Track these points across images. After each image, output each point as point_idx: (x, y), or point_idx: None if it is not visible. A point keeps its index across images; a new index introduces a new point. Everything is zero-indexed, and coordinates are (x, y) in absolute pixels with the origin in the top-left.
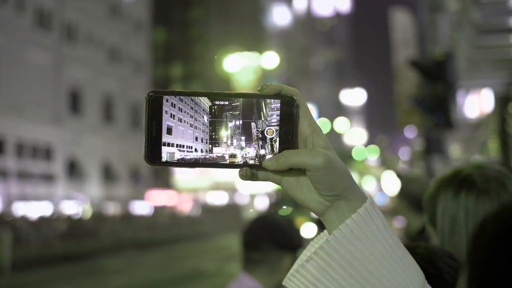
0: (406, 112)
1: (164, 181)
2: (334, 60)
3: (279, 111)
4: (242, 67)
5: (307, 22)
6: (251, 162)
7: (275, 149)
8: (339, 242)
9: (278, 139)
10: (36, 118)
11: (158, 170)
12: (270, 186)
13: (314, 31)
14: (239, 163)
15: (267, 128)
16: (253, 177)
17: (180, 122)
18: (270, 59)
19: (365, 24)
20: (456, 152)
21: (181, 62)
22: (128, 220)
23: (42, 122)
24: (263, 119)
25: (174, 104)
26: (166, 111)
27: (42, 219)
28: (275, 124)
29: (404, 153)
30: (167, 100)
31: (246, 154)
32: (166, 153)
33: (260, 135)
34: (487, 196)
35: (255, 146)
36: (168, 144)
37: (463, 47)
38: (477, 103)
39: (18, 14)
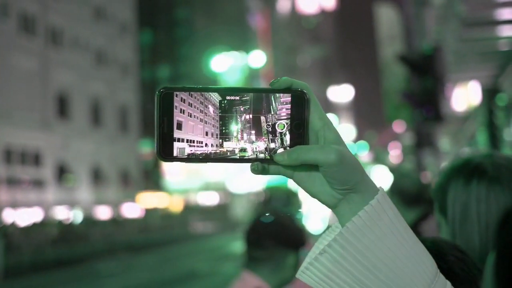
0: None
1: (154, 183)
2: (321, 57)
3: (289, 105)
4: (229, 66)
5: (292, 20)
6: (261, 156)
7: (285, 143)
8: (352, 234)
9: (289, 133)
10: (24, 123)
11: (148, 173)
12: (259, 186)
13: (300, 29)
14: (250, 157)
15: (278, 122)
16: (264, 171)
17: (190, 117)
18: (257, 58)
19: (350, 20)
20: (445, 145)
21: (168, 63)
22: (120, 223)
23: (30, 128)
24: (272, 113)
25: (184, 100)
26: (176, 107)
27: (33, 225)
28: (285, 118)
29: (393, 148)
30: (176, 96)
31: (256, 148)
32: (177, 148)
33: (270, 129)
34: (499, 184)
35: (265, 140)
36: (179, 140)
37: (449, 40)
38: (464, 96)
39: (1, 19)
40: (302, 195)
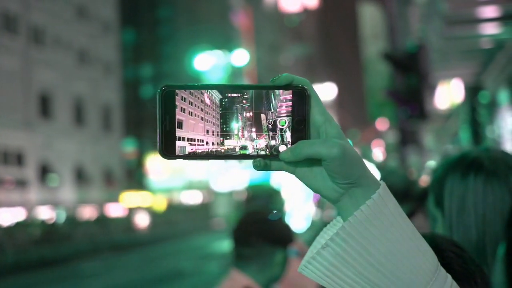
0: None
1: (138, 183)
2: (304, 56)
3: (290, 102)
4: (212, 65)
5: (275, 18)
6: (262, 153)
7: (285, 140)
8: (354, 228)
9: (290, 129)
10: (6, 123)
11: (131, 172)
12: (242, 184)
13: (283, 27)
14: (252, 154)
15: (279, 118)
16: (266, 167)
17: (191, 115)
18: (240, 57)
19: (334, 19)
20: (429, 142)
21: (151, 62)
22: (103, 223)
23: (12, 127)
24: (273, 110)
25: (185, 98)
26: (177, 105)
27: (16, 225)
28: (286, 114)
29: (376, 146)
30: (177, 94)
31: (256, 146)
32: (178, 147)
33: (271, 126)
34: (496, 177)
35: (265, 137)
36: (180, 138)
37: (432, 38)
38: (447, 94)
39: None
40: (285, 193)
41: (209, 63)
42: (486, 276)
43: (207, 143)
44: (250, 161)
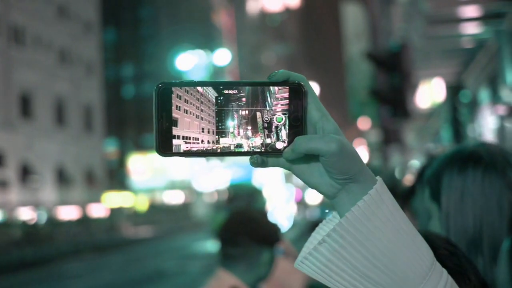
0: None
1: (120, 183)
2: (286, 55)
3: (285, 100)
4: (194, 65)
5: (257, 18)
6: (258, 151)
7: (280, 138)
8: (351, 224)
9: (287, 126)
10: None
11: (113, 172)
12: (224, 184)
13: (265, 27)
14: (249, 151)
15: (276, 115)
16: (263, 164)
17: (186, 113)
18: (222, 56)
19: (315, 18)
20: (410, 141)
21: (132, 62)
22: (85, 223)
23: None
24: (268, 108)
25: (180, 96)
26: (173, 103)
27: None
28: (283, 111)
29: (357, 145)
30: (173, 92)
31: (252, 144)
32: (174, 145)
33: (266, 125)
34: (494, 170)
35: (261, 135)
36: (177, 136)
37: (414, 38)
38: (428, 93)
39: None
40: (267, 193)
41: (191, 62)
42: (479, 274)
43: (202, 141)
44: (233, 160)
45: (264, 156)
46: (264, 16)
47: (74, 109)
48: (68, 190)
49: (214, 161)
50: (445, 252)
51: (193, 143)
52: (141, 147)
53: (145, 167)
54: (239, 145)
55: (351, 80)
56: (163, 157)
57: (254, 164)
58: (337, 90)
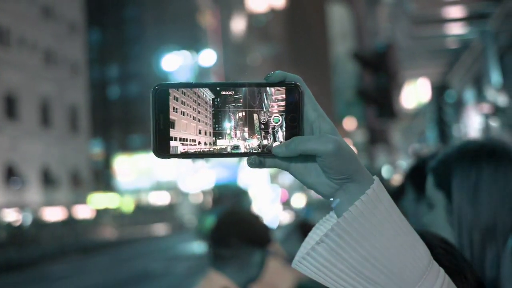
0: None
1: (105, 184)
2: (271, 55)
3: (283, 99)
4: (179, 65)
5: (242, 19)
6: (254, 152)
7: (277, 139)
8: (349, 223)
9: (284, 126)
10: None
11: (99, 173)
12: (209, 185)
13: (250, 27)
14: (246, 152)
15: (273, 116)
16: (261, 165)
17: (183, 115)
18: (207, 57)
19: (301, 18)
20: (396, 142)
21: (118, 62)
22: (71, 224)
23: None
24: (265, 110)
25: (177, 98)
26: (170, 104)
27: None
28: (280, 112)
29: None
30: (169, 94)
31: (249, 145)
32: (171, 147)
33: (263, 126)
34: (508, 161)
35: (258, 137)
36: (174, 138)
37: (399, 38)
38: (414, 93)
39: None
40: (252, 193)
41: (177, 63)
42: (475, 272)
43: (199, 143)
44: (217, 160)
45: (261, 157)
46: (249, 16)
47: (59, 110)
48: (53, 191)
49: (200, 162)
50: (441, 251)
51: (190, 144)
52: (126, 148)
53: (130, 168)
54: (236, 147)
55: (337, 81)
56: (161, 159)
57: (252, 165)
58: (323, 91)
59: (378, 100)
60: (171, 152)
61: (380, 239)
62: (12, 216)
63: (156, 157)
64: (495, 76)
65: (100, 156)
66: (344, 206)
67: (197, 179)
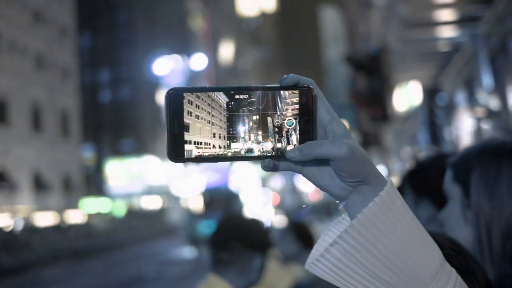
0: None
1: (97, 189)
2: (262, 59)
3: (296, 104)
4: (170, 70)
5: (233, 22)
6: (268, 155)
7: (291, 143)
8: (363, 225)
9: (297, 130)
10: None
11: (90, 178)
12: (200, 189)
13: (241, 31)
14: (260, 155)
15: (286, 119)
16: (275, 168)
17: (198, 119)
18: (198, 61)
19: (292, 22)
20: (389, 144)
21: (109, 66)
22: (63, 229)
23: None
24: (279, 113)
25: (191, 101)
26: (184, 108)
27: None
28: (293, 115)
29: None
30: (184, 98)
31: (263, 149)
32: (186, 150)
33: (277, 129)
34: None
35: (272, 140)
36: (189, 142)
37: (391, 41)
38: (405, 96)
39: None
40: (244, 197)
41: (168, 67)
42: (485, 273)
43: (213, 146)
44: (209, 164)
45: (275, 160)
46: (240, 20)
47: (50, 115)
48: (45, 196)
49: (192, 166)
50: (451, 252)
51: (205, 148)
52: (118, 152)
53: (122, 172)
54: (250, 150)
55: (329, 84)
56: (175, 163)
57: (266, 168)
58: None
59: (372, 103)
60: (185, 156)
61: (393, 240)
62: (3, 221)
63: (171, 161)
64: (486, 79)
65: (92, 160)
66: (358, 208)
67: (188, 183)
